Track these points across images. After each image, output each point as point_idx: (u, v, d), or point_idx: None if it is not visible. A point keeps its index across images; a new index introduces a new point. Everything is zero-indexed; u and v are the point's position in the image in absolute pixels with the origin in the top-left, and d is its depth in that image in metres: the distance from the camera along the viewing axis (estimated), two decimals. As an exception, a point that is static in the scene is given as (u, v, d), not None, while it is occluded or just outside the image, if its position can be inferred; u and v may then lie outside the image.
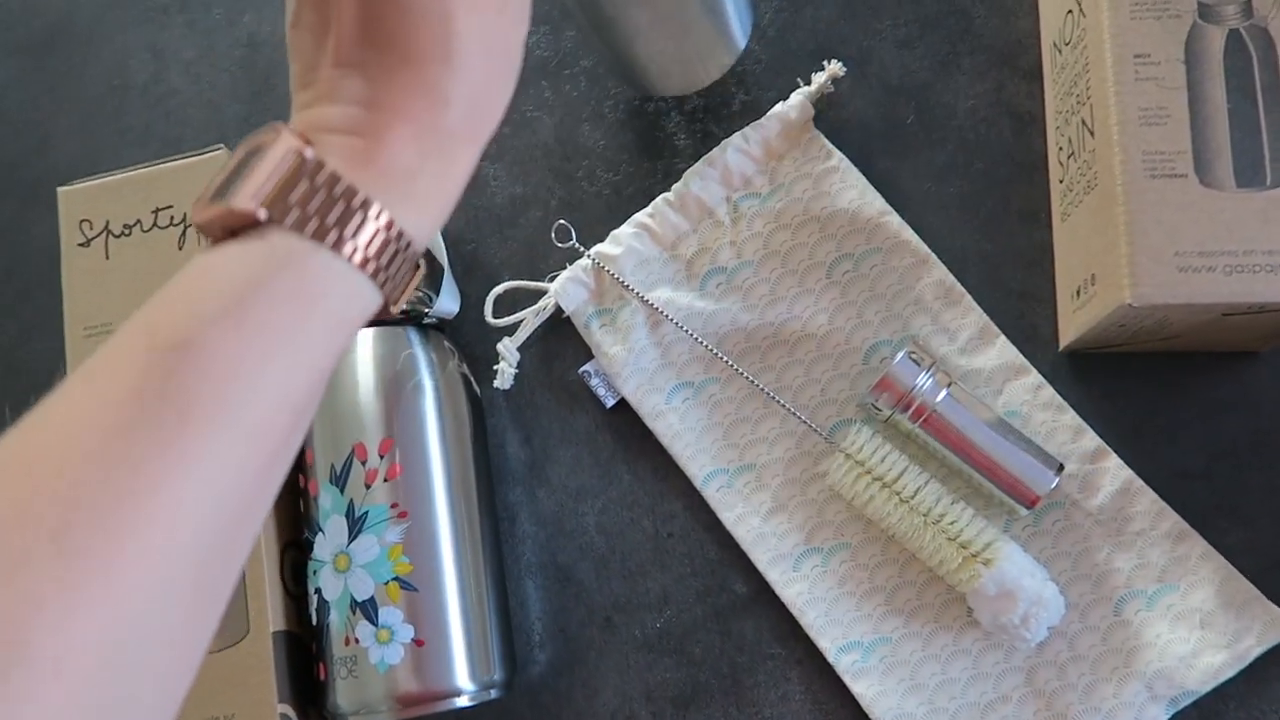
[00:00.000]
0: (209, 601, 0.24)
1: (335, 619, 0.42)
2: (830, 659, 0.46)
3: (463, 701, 0.43)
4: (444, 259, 0.49)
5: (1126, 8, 0.40)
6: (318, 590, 0.43)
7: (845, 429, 0.47)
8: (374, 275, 0.26)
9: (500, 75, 0.28)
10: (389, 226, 0.26)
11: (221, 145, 0.47)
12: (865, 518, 0.47)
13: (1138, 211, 0.38)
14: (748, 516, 0.48)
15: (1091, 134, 0.42)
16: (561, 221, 0.51)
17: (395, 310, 0.28)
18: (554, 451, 0.50)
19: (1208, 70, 0.39)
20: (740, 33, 0.49)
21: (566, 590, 0.49)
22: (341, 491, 0.43)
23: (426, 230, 0.28)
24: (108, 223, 0.47)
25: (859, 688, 0.45)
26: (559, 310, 0.50)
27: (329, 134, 0.26)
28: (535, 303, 0.51)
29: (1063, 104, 0.46)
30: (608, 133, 0.53)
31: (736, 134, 0.49)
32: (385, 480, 0.43)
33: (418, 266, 0.28)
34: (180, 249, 0.46)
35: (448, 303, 0.49)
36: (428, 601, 0.42)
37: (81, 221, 0.47)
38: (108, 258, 0.46)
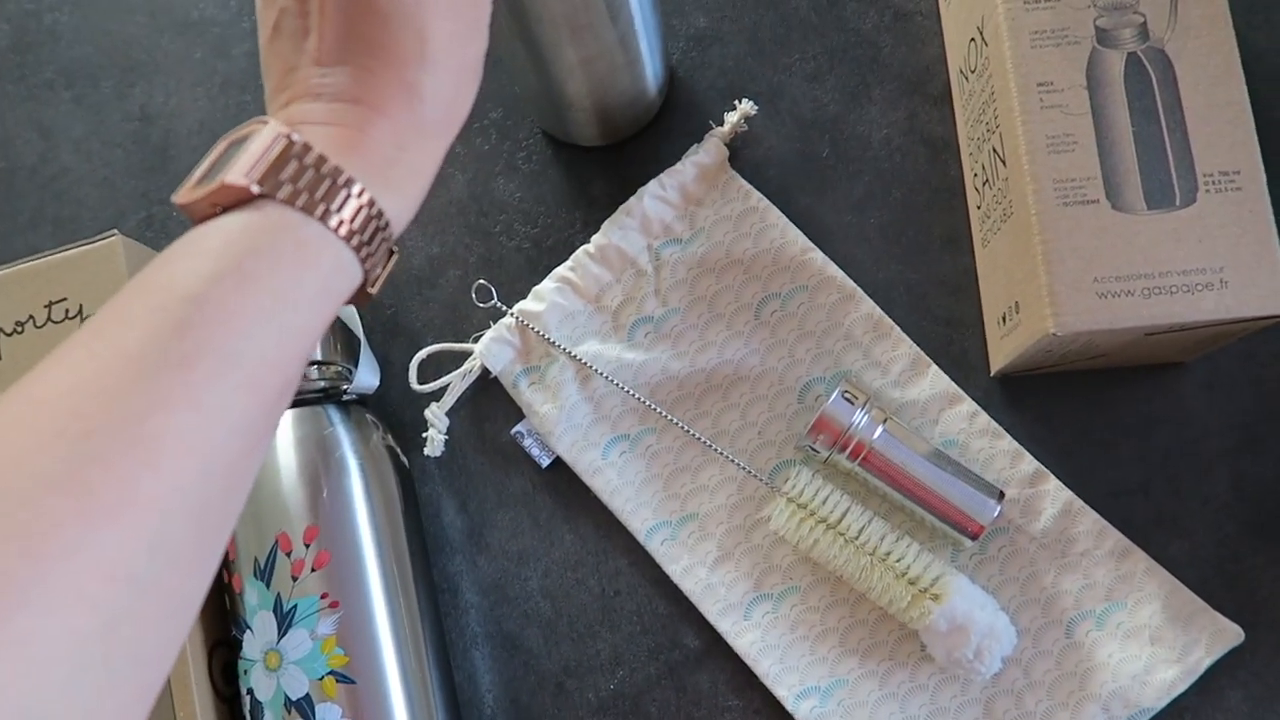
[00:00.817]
0: (211, 542, 0.25)
1: None
2: (789, 707, 0.45)
3: None
4: (359, 331, 0.48)
5: (1026, 36, 0.41)
6: (249, 691, 0.41)
7: (785, 471, 0.47)
8: (357, 250, 0.28)
9: (467, 77, 0.31)
10: (370, 205, 0.28)
11: (115, 231, 0.45)
12: (812, 560, 0.46)
13: (1053, 240, 0.39)
14: (694, 568, 0.47)
15: (1004, 162, 0.42)
16: (481, 281, 0.49)
17: (374, 291, 0.30)
18: (491, 516, 0.49)
19: (1110, 95, 0.40)
20: (655, 82, 0.48)
21: (515, 659, 0.48)
22: (268, 586, 0.41)
23: (403, 215, 0.30)
24: None
25: (819, 734, 0.45)
26: (486, 371, 0.49)
27: (312, 125, 0.28)
28: (461, 365, 0.49)
29: (974, 130, 0.47)
30: (523, 184, 0.52)
31: (653, 181, 0.48)
32: (313, 570, 0.41)
33: (392, 252, 0.31)
34: None
35: (367, 376, 0.47)
36: (368, 693, 0.41)
37: None
38: (1, 358, 0.44)
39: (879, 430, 0.44)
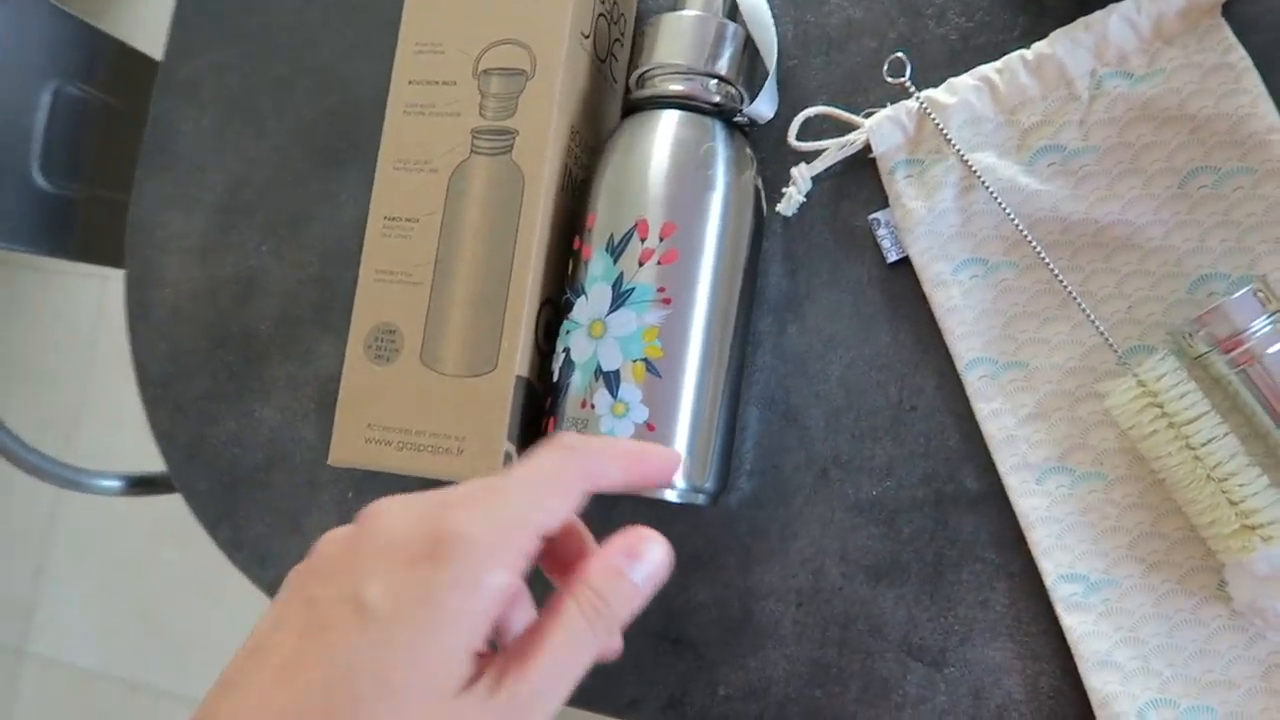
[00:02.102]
0: None
1: (577, 381, 0.43)
2: (1048, 583, 0.43)
3: (670, 496, 0.43)
4: (771, 60, 0.47)
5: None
6: (566, 350, 0.43)
7: (1144, 355, 0.43)
8: None
9: None
10: None
11: None
12: (1132, 456, 0.43)
13: None
14: (1003, 414, 0.45)
15: None
16: (899, 54, 0.47)
17: None
18: (817, 292, 0.48)
19: None
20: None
21: (790, 430, 0.48)
22: (615, 262, 0.42)
23: None
24: None
25: (1070, 620, 0.42)
26: (866, 149, 0.47)
27: None
28: (842, 135, 0.48)
29: None
30: (973, -28, 0.48)
31: (1128, 0, 0.43)
32: (659, 263, 0.42)
33: None
34: None
35: (765, 105, 0.46)
36: (668, 390, 0.42)
37: None
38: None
39: (1278, 345, 0.39)
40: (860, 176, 0.48)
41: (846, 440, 0.47)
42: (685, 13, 0.46)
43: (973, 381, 0.45)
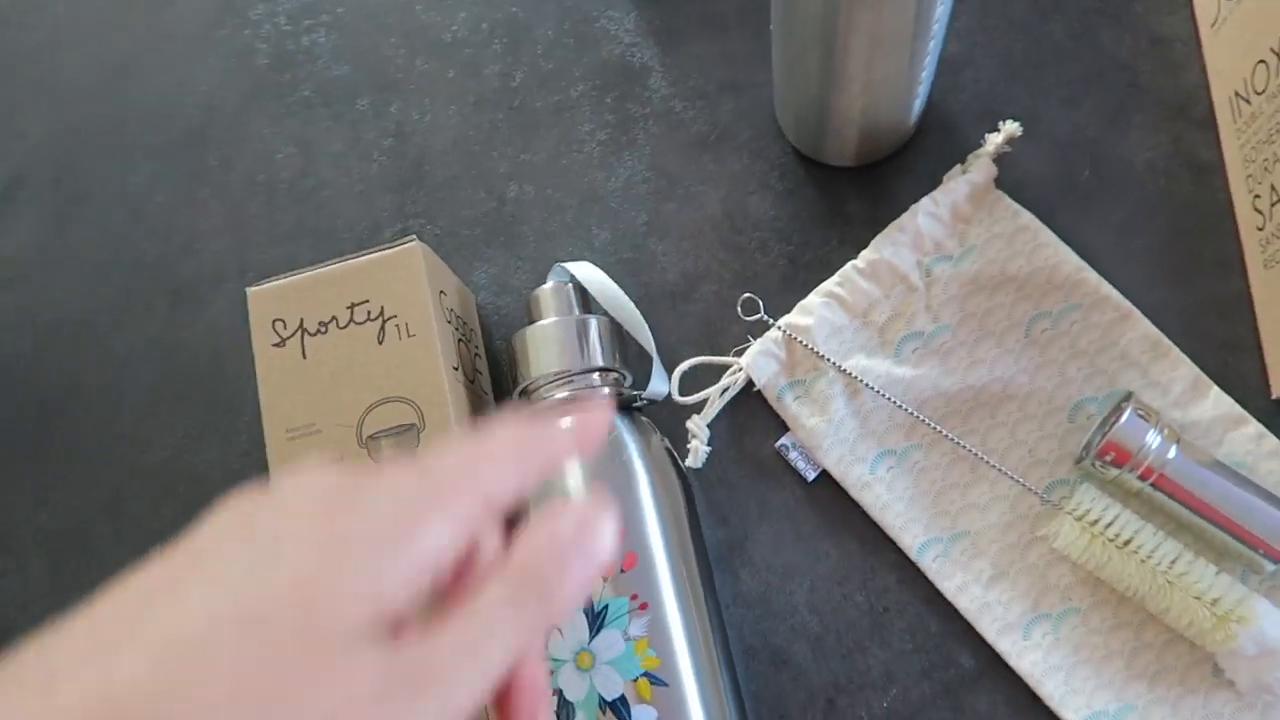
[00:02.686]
0: None
1: None
2: (1075, 732, 0.44)
3: None
4: (649, 341, 0.48)
5: (1344, 55, 0.41)
6: (558, 691, 0.41)
7: (1065, 489, 0.46)
8: None
9: None
10: None
11: (414, 236, 0.46)
12: (1092, 580, 0.46)
13: (1392, 256, 0.38)
14: (969, 585, 0.46)
15: (1310, 181, 0.42)
16: (748, 294, 0.50)
17: None
18: (754, 529, 0.49)
19: None
20: (919, 105, 0.49)
21: (783, 673, 0.47)
22: None
23: None
24: (302, 320, 0.46)
25: (1111, 760, 0.44)
26: (748, 385, 0.49)
27: None
28: (718, 379, 0.50)
29: (1257, 153, 0.46)
30: (776, 202, 0.53)
31: (925, 198, 0.49)
32: (622, 571, 0.41)
33: None
34: (380, 343, 0.45)
35: (659, 384, 0.48)
36: (676, 695, 0.41)
37: (274, 321, 0.46)
38: (304, 356, 0.45)
39: (1173, 450, 0.44)
40: (751, 408, 0.50)
41: (838, 663, 0.47)
42: (546, 322, 0.47)
43: (929, 565, 0.47)
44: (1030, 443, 0.48)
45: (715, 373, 0.50)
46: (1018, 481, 0.46)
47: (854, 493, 0.48)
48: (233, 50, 0.60)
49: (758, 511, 0.49)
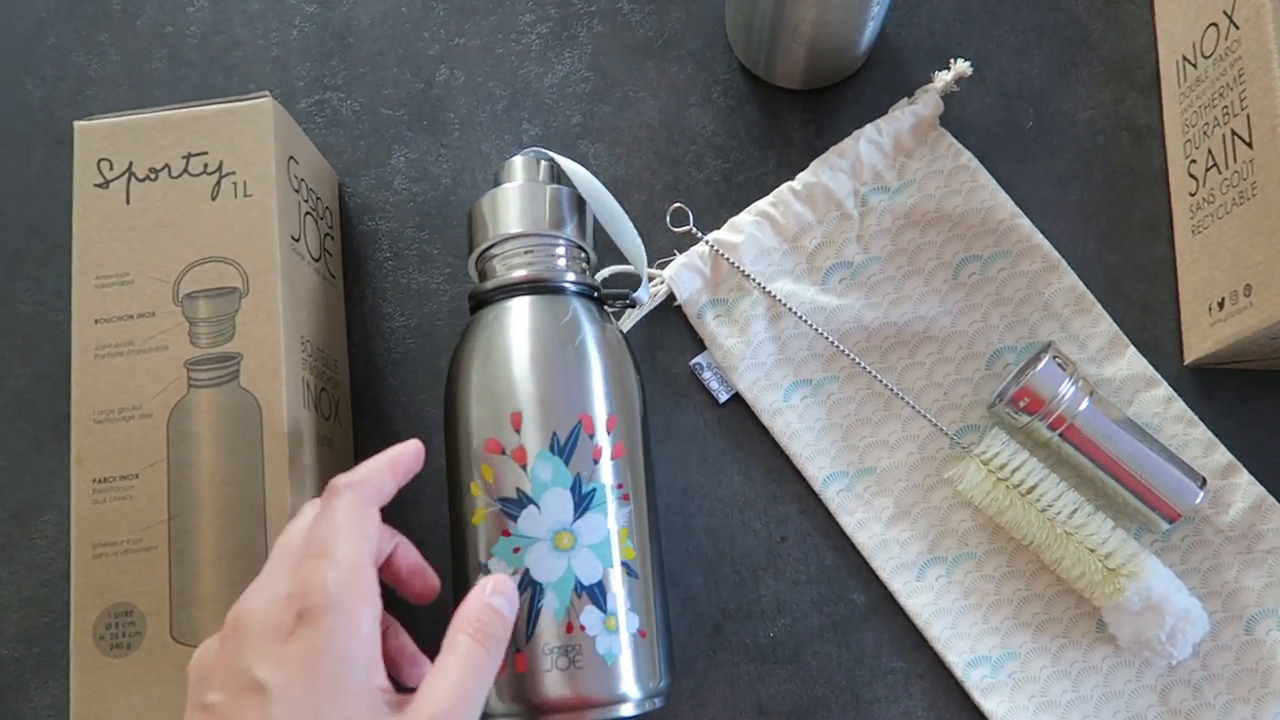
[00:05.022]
0: None
1: (551, 602, 0.37)
2: (958, 674, 0.44)
3: (629, 711, 0.38)
4: (640, 250, 0.46)
5: (1295, 19, 0.40)
6: (523, 570, 0.38)
7: (975, 434, 0.46)
8: None
9: None
10: None
11: (266, 92, 0.43)
12: (991, 527, 0.45)
13: (1320, 220, 0.38)
14: (869, 522, 0.46)
15: (1249, 145, 0.42)
16: (679, 205, 0.48)
17: None
18: (659, 447, 0.47)
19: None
20: (872, 33, 0.47)
21: (671, 596, 0.46)
22: (566, 463, 0.39)
23: None
24: (131, 164, 0.42)
25: (989, 704, 0.43)
26: (669, 298, 0.47)
27: None
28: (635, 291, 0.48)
29: (1199, 117, 0.46)
30: (717, 118, 0.51)
31: (869, 125, 0.47)
32: (612, 459, 0.39)
33: None
34: (213, 200, 0.41)
35: (644, 292, 0.46)
36: (644, 591, 0.39)
37: (100, 160, 0.42)
38: (128, 202, 0.42)
39: (1085, 402, 0.43)
40: (668, 324, 0.48)
41: (730, 589, 0.46)
42: (512, 184, 0.43)
43: (832, 498, 0.46)
44: (945, 385, 0.47)
45: (634, 284, 0.48)
46: (931, 422, 0.45)
47: (765, 418, 0.46)
48: (150, -112, 0.55)
49: (665, 429, 0.48)
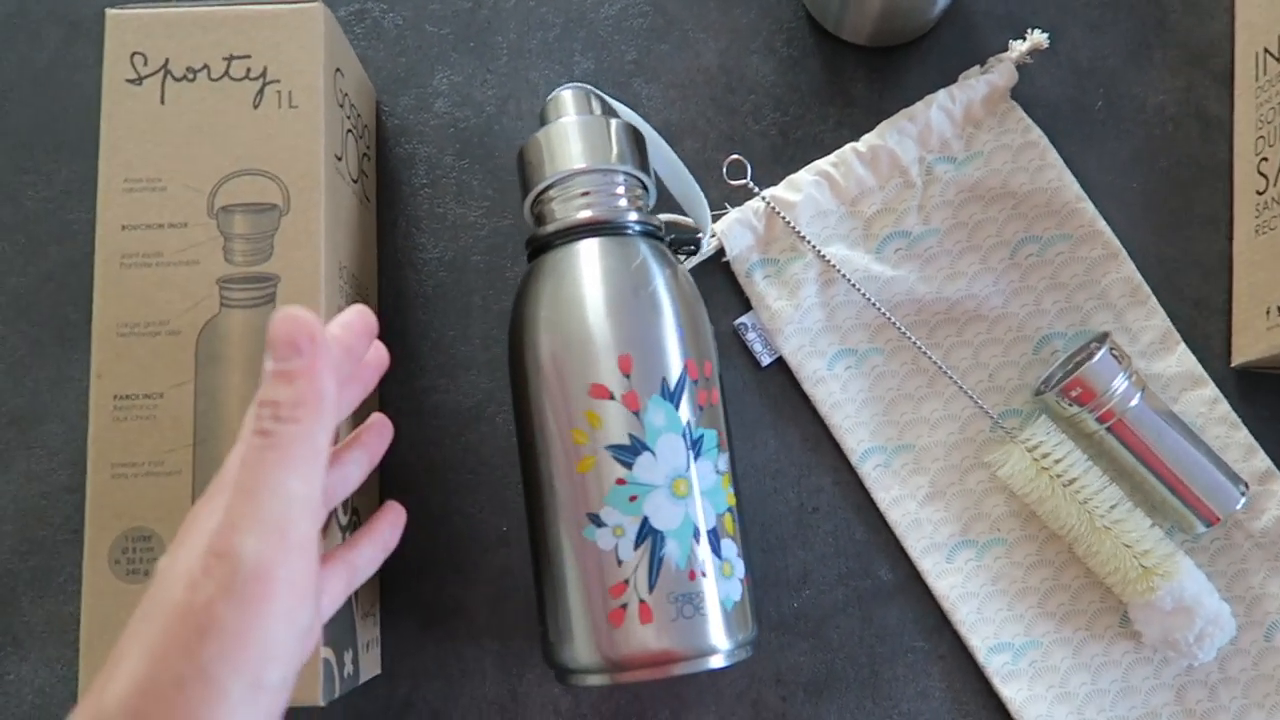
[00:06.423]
0: None
1: (673, 550, 0.36)
2: (980, 659, 0.43)
3: (719, 663, 0.37)
4: (703, 202, 0.45)
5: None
6: (644, 519, 0.36)
7: (1017, 420, 0.45)
8: None
9: None
10: None
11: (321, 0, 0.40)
12: (1024, 514, 0.45)
13: None
14: (904, 500, 0.45)
15: (1333, 148, 0.41)
16: (737, 156, 0.46)
17: None
18: (694, 407, 0.46)
19: None
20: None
21: (697, 559, 0.45)
22: (676, 409, 0.37)
23: None
24: (167, 61, 0.39)
25: (1009, 691, 0.43)
26: (718, 253, 0.46)
27: None
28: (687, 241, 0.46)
29: (1275, 114, 0.45)
30: (779, 68, 0.49)
31: (942, 91, 0.46)
32: (712, 405, 0.39)
33: None
34: (255, 108, 0.39)
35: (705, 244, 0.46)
36: (743, 539, 0.39)
37: (134, 54, 0.39)
38: (163, 102, 0.39)
39: (1136, 398, 0.43)
40: (715, 280, 0.47)
41: (756, 556, 0.45)
42: (568, 119, 0.41)
43: (869, 473, 0.45)
44: (991, 367, 0.46)
45: (688, 234, 0.46)
46: (977, 404, 0.44)
47: (806, 386, 0.45)
48: None
49: (701, 389, 0.46)
